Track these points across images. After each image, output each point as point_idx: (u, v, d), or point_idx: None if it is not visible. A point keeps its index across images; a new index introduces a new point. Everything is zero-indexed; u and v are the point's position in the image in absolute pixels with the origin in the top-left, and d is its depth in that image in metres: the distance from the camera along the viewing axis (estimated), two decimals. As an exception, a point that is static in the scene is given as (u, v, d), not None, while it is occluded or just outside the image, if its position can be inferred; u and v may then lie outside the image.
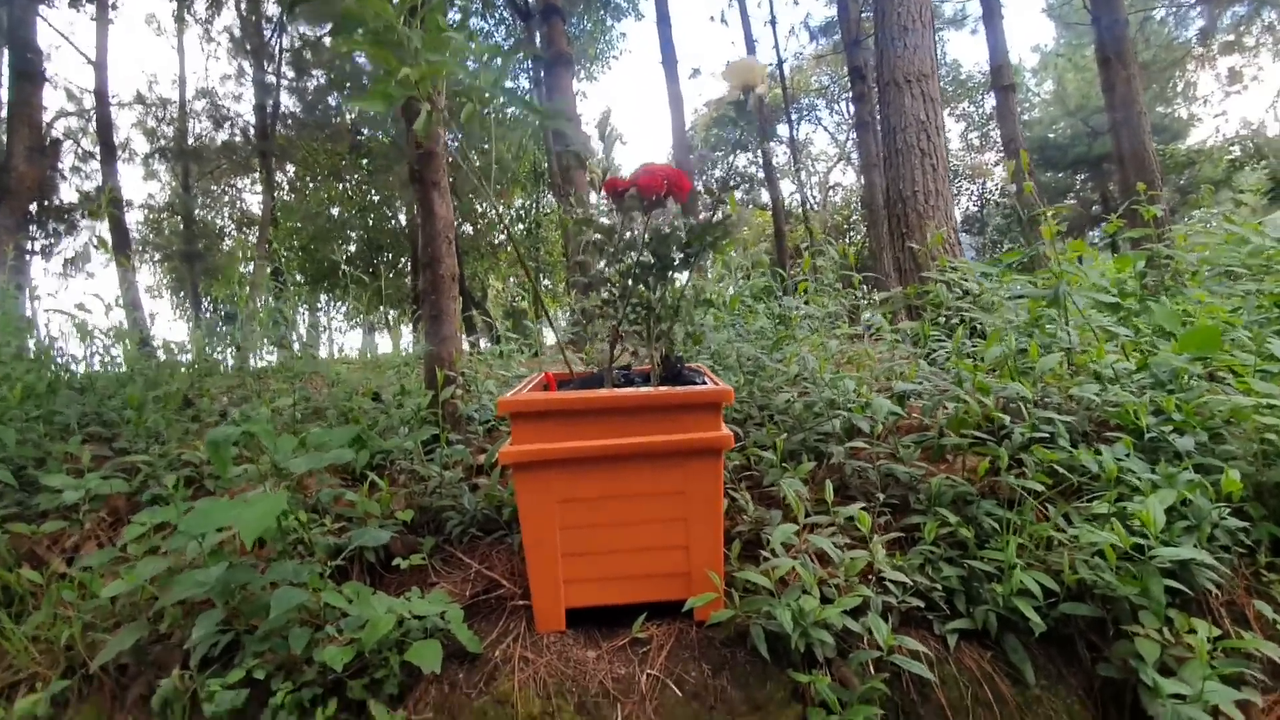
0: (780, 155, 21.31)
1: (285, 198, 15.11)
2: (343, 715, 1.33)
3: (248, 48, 12.96)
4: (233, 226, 16.22)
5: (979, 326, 2.57)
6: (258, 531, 1.25)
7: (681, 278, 1.73)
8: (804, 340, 2.54)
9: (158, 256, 16.53)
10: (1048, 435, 1.83)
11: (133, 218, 13.89)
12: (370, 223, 14.91)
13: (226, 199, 16.48)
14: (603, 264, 1.70)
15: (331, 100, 13.55)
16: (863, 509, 1.60)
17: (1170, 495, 1.53)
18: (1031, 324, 2.35)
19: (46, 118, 10.19)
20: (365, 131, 14.17)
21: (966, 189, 22.72)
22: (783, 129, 19.36)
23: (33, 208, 10.17)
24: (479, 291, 16.06)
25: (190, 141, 13.78)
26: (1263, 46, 17.31)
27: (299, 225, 13.78)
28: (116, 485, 2.04)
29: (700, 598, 1.48)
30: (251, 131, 13.51)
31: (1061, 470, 1.74)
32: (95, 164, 11.81)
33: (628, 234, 1.63)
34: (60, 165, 11.56)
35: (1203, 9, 15.85)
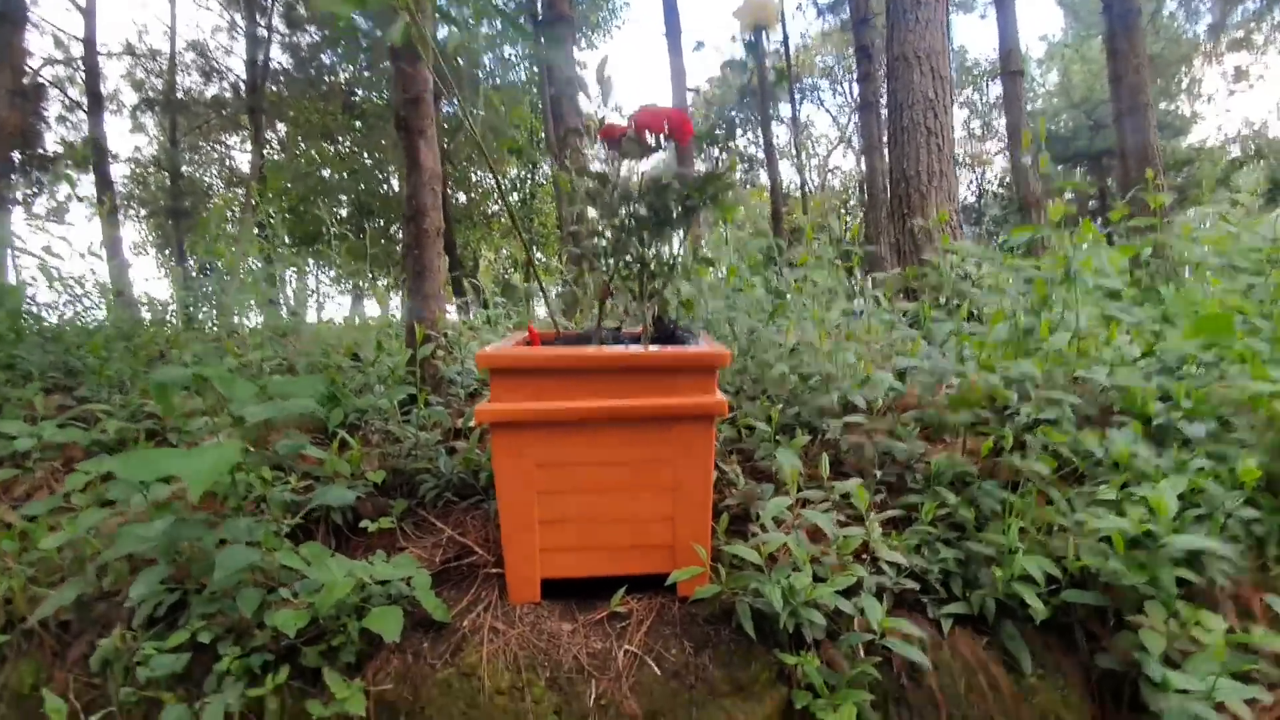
0: (781, 137, 21.07)
1: (275, 157, 14.77)
2: (294, 683, 1.24)
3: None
4: (220, 185, 15.89)
5: (976, 311, 2.48)
6: (206, 483, 1.14)
7: (679, 234, 1.62)
8: (802, 312, 2.45)
9: (143, 212, 16.21)
10: (1053, 418, 1.74)
11: (118, 171, 13.56)
12: (362, 186, 14.60)
13: (215, 156, 16.14)
14: (595, 214, 1.58)
15: (325, 58, 13.20)
16: (860, 485, 1.52)
17: (1181, 482, 1.46)
18: (1038, 304, 2.26)
19: (34, 65, 9.87)
20: (360, 92, 13.81)
21: (965, 178, 22.58)
22: (785, 108, 19.10)
23: (16, 156, 9.87)
24: (470, 261, 15.81)
25: (179, 95, 13.41)
26: (1271, 45, 17.17)
27: (288, 185, 13.45)
28: (72, 434, 1.93)
29: (684, 571, 1.39)
30: (242, 87, 13.14)
31: (1066, 454, 1.67)
32: (81, 115, 11.48)
33: (623, 182, 1.51)
34: (46, 114, 11.24)
35: (1213, 3, 15.66)
